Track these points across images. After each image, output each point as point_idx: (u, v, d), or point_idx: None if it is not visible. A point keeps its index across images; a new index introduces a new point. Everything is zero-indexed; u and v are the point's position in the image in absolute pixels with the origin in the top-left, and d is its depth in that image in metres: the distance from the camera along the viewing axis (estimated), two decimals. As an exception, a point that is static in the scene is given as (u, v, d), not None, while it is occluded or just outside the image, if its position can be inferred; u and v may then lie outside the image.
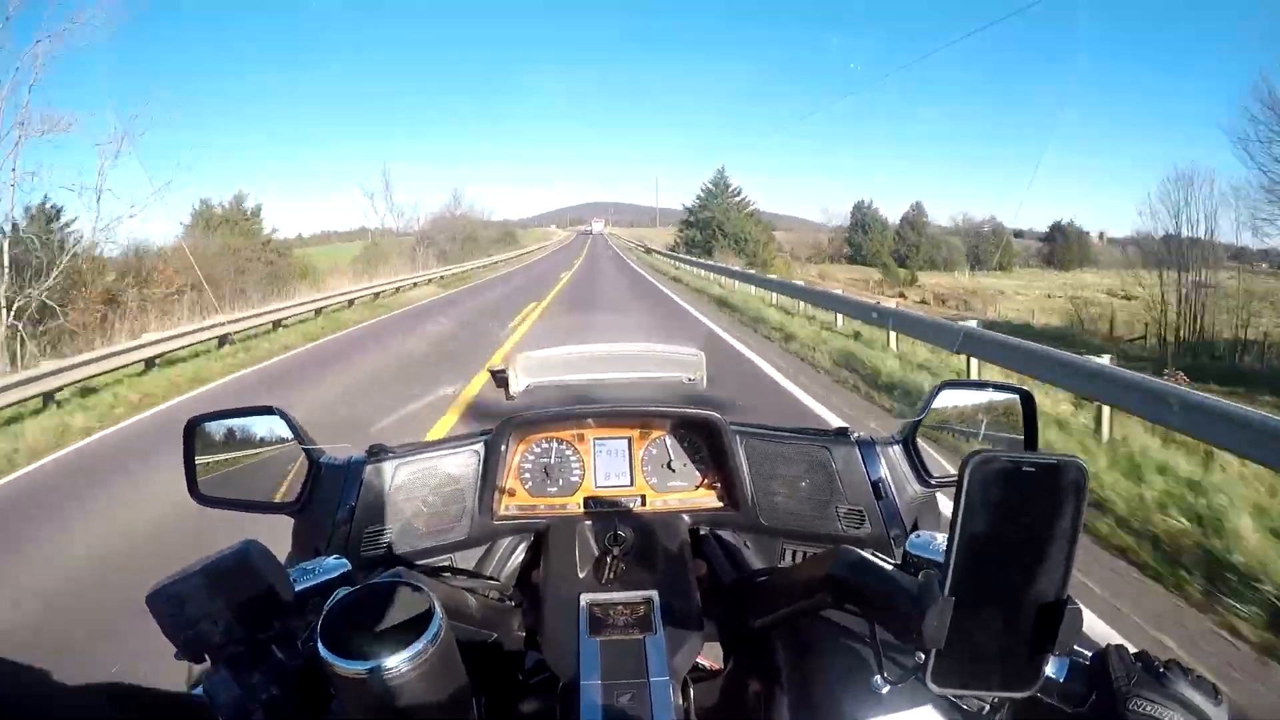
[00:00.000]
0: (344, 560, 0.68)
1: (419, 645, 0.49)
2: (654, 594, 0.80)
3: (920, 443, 1.01)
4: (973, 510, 0.47)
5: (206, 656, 0.55)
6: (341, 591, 0.54)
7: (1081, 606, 0.49)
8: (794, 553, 0.97)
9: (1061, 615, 0.48)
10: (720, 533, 0.98)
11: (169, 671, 0.61)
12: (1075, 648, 0.56)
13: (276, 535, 0.85)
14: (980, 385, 1.01)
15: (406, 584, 0.54)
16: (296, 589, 0.61)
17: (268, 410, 0.93)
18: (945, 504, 0.80)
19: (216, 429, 0.91)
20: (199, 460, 0.89)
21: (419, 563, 0.91)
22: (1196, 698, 0.51)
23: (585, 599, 0.80)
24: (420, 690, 0.49)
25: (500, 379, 1.10)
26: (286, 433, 0.93)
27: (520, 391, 1.11)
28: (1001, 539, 0.48)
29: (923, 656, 0.51)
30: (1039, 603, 0.48)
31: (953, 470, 0.98)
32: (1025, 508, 0.47)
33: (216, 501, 0.88)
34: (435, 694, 0.51)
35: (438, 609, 0.52)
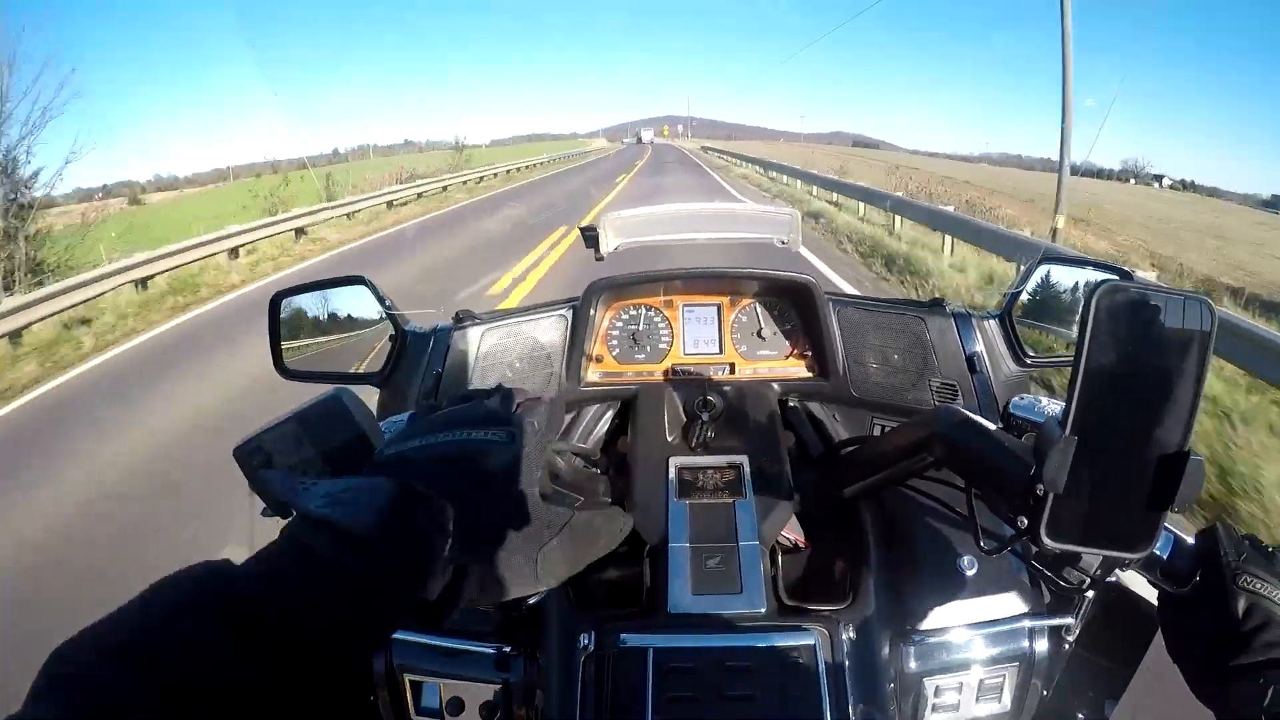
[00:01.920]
0: None
1: None
2: (744, 459, 0.79)
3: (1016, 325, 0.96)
4: (1099, 343, 0.43)
5: (294, 512, 0.49)
6: None
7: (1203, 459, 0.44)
8: (883, 428, 0.93)
9: (1184, 467, 0.44)
10: (809, 405, 0.95)
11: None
12: (1177, 532, 0.53)
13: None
14: (1081, 263, 0.96)
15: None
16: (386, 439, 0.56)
17: (355, 280, 0.92)
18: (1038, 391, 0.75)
19: (303, 302, 0.92)
20: (285, 334, 0.89)
21: None
22: None
23: (674, 462, 0.79)
24: None
25: (590, 238, 1.05)
26: (373, 303, 0.93)
27: (610, 252, 1.06)
28: (1126, 378, 0.44)
29: (1025, 522, 0.49)
30: (1160, 452, 0.45)
31: (1051, 351, 0.98)
32: (1151, 345, 0.44)
33: (302, 375, 0.89)
34: None
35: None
